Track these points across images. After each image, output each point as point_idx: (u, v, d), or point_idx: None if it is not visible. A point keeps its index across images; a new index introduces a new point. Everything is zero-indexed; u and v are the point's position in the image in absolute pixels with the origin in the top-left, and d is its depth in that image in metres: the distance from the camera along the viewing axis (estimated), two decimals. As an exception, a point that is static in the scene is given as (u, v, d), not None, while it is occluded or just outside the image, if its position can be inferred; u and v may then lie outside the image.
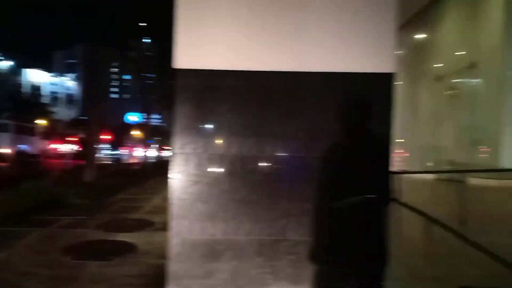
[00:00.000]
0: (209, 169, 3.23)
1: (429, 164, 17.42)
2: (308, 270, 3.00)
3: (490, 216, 7.92)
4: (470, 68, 15.06)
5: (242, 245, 3.24)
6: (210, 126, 3.26)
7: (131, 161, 39.57)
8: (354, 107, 2.85)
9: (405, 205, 3.00)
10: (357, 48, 3.21)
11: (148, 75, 50.39)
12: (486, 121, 14.66)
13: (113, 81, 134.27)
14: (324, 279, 2.95)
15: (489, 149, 14.37)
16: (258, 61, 3.21)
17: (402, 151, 20.89)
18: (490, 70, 14.24)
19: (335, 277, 2.94)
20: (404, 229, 3.24)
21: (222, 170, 3.24)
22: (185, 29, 3.20)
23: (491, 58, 14.12)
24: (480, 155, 14.83)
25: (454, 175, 11.92)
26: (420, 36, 19.62)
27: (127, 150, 48.80)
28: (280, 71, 3.20)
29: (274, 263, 3.24)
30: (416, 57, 20.06)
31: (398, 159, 19.84)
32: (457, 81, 16.21)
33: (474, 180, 12.93)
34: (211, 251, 3.24)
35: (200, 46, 3.21)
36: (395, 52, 3.19)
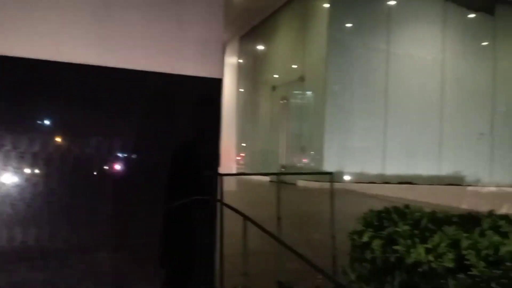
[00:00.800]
0: (20, 169, 2.87)
1: (264, 167, 18.71)
2: (131, 274, 2.89)
3: (307, 214, 8.86)
4: (300, 80, 16.72)
5: (58, 252, 2.96)
6: (24, 121, 2.90)
7: None
8: (179, 109, 2.88)
9: (228, 205, 3.13)
10: (185, 52, 3.21)
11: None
12: (313, 130, 16.41)
13: None
14: (146, 280, 2.90)
15: (314, 155, 16.12)
16: (83, 54, 2.97)
17: (243, 154, 22.02)
18: (316, 83, 16.01)
19: (158, 277, 2.91)
20: (230, 229, 3.38)
21: (35, 170, 2.92)
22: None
23: (317, 73, 15.89)
24: (305, 160, 16.56)
25: (286, 178, 13.05)
26: (259, 47, 21.01)
27: None
28: (108, 67, 3.01)
29: (95, 270, 3.05)
30: (256, 67, 21.38)
31: (240, 161, 20.87)
32: (289, 92, 17.81)
33: (301, 183, 14.38)
34: (21, 261, 2.89)
35: (15, 30, 2.83)
36: (236, 60, 3.32)
